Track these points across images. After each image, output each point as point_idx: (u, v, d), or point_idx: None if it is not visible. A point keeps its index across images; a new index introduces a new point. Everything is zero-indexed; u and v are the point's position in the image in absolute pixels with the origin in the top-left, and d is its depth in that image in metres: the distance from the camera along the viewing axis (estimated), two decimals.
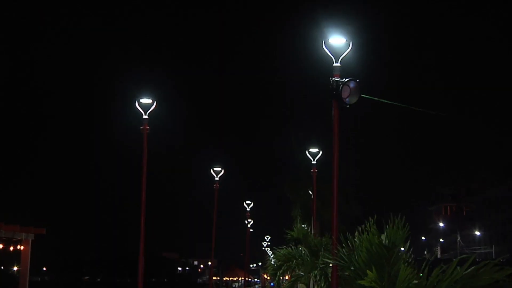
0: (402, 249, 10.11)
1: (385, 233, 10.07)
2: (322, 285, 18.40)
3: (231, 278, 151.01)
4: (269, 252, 68.95)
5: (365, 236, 9.91)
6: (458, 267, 9.48)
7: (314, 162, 28.96)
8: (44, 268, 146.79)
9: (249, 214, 52.94)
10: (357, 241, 10.34)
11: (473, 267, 9.43)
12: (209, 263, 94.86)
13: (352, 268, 10.14)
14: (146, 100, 21.39)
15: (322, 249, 18.88)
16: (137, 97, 21.46)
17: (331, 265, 14.66)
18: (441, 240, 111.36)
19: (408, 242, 10.19)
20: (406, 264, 9.65)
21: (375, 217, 10.34)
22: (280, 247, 21.16)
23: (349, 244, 10.54)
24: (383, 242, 9.81)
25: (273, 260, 22.83)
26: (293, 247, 20.62)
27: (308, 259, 19.51)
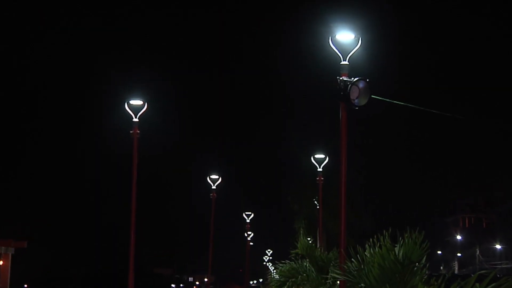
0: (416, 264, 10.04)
1: (398, 246, 10.00)
2: None
3: None
4: (271, 268, 68.81)
5: (377, 250, 9.83)
6: (477, 284, 9.43)
7: (320, 170, 28.69)
8: (26, 286, 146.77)
9: (249, 226, 52.61)
10: (368, 255, 10.28)
11: (493, 284, 9.37)
12: (206, 279, 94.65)
13: (362, 284, 10.09)
14: (136, 102, 21.07)
15: (331, 265, 18.79)
16: (127, 98, 21.29)
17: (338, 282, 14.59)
18: (459, 254, 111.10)
19: (424, 257, 10.10)
20: (423, 280, 9.59)
21: (390, 230, 10.23)
22: (283, 262, 21.08)
23: (359, 258, 10.47)
24: (398, 257, 9.73)
25: (276, 276, 22.76)
26: (298, 261, 20.55)
27: (314, 274, 19.45)
